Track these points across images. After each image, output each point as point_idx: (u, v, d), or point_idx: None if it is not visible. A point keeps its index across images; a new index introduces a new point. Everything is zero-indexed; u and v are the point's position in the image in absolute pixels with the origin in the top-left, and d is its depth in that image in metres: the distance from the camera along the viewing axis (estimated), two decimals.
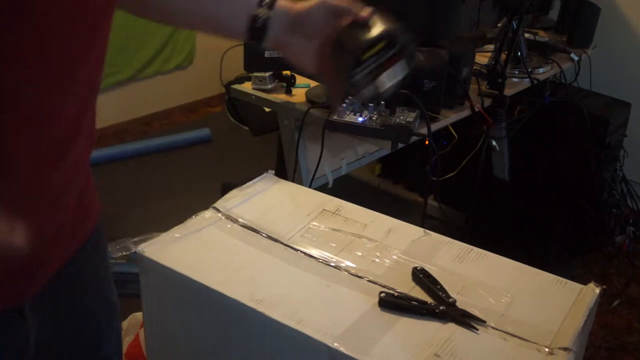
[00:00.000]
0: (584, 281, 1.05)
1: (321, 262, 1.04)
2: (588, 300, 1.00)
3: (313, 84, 1.89)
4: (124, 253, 2.31)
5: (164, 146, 3.47)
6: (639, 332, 2.21)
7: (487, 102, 1.90)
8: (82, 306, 0.84)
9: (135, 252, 0.90)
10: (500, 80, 1.92)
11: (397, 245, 1.10)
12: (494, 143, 2.06)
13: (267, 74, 1.84)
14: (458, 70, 1.73)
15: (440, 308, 0.95)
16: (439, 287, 1.00)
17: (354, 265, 1.04)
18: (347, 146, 1.97)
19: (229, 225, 1.09)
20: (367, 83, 0.70)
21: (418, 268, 1.03)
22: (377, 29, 0.73)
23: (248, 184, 1.19)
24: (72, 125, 0.66)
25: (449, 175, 2.00)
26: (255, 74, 1.84)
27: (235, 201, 1.14)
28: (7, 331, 0.69)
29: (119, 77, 3.66)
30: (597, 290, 1.02)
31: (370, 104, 1.59)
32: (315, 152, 1.71)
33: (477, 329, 0.93)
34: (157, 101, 3.91)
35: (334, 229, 1.12)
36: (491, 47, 2.12)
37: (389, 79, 0.72)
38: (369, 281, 1.01)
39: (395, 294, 0.98)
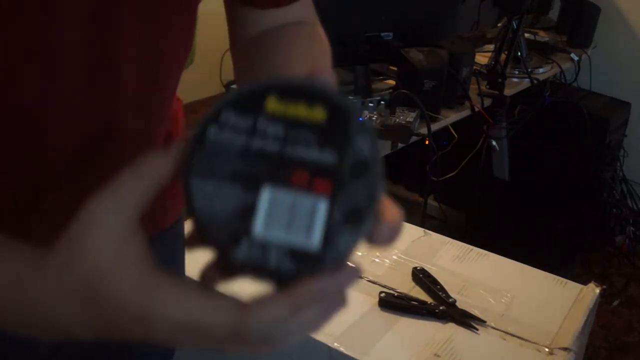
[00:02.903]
0: (584, 281, 1.05)
1: None
2: (588, 300, 1.00)
3: None
4: None
5: None
6: (639, 332, 2.20)
7: (487, 102, 1.90)
8: None
9: None
10: (500, 80, 1.92)
11: (397, 245, 1.10)
12: (494, 143, 2.05)
13: None
14: (458, 70, 1.73)
15: (440, 308, 0.96)
16: (439, 287, 1.00)
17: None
18: None
19: None
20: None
21: (418, 268, 1.03)
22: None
23: None
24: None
25: (449, 175, 2.00)
26: None
27: None
28: None
29: None
30: (597, 290, 1.02)
31: (370, 104, 1.59)
32: None
33: (477, 329, 0.93)
34: None
35: None
36: (491, 47, 2.12)
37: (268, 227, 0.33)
38: (369, 281, 1.01)
39: (395, 294, 0.98)
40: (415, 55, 1.64)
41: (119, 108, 0.55)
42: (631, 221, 2.52)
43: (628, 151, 2.55)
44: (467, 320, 0.94)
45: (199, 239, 0.37)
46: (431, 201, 2.36)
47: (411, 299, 0.97)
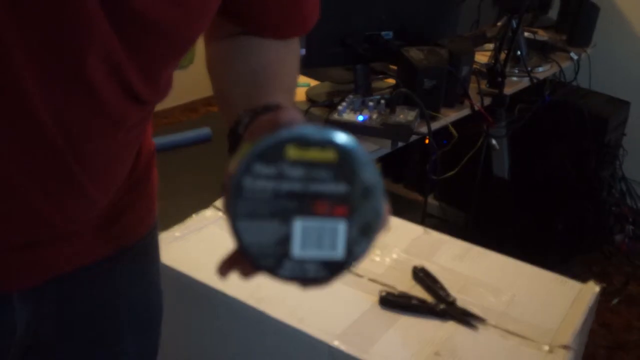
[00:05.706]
0: (583, 280, 1.06)
1: None
2: (587, 298, 1.00)
3: (313, 83, 1.89)
4: None
5: (164, 145, 3.47)
6: (638, 330, 2.21)
7: (487, 101, 1.90)
8: (100, 321, 0.75)
9: None
10: (500, 79, 1.92)
11: (397, 243, 1.10)
12: (494, 142, 2.06)
13: None
14: (458, 69, 1.74)
15: (441, 306, 0.96)
16: (439, 285, 1.00)
17: None
18: None
19: None
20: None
21: (418, 267, 1.03)
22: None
23: None
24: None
25: (449, 174, 2.00)
26: None
27: None
28: None
29: None
30: (597, 289, 1.02)
31: (370, 103, 1.59)
32: None
33: (477, 328, 0.93)
34: None
35: None
36: (491, 46, 2.12)
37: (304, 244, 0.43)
38: (369, 280, 1.01)
39: (396, 293, 0.98)
40: (415, 54, 1.64)
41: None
42: (630, 220, 2.52)
43: (627, 150, 2.55)
44: (467, 318, 0.94)
45: (236, 263, 0.48)
46: (431, 200, 2.36)
47: (411, 297, 0.97)
